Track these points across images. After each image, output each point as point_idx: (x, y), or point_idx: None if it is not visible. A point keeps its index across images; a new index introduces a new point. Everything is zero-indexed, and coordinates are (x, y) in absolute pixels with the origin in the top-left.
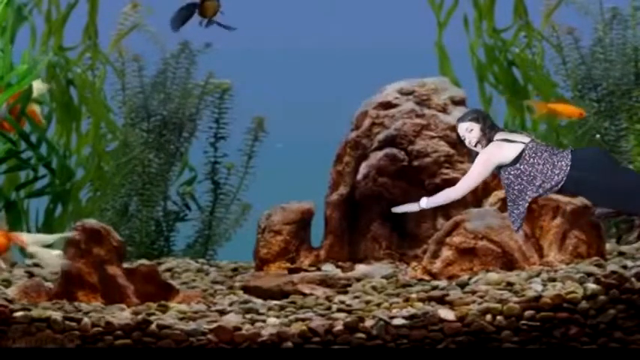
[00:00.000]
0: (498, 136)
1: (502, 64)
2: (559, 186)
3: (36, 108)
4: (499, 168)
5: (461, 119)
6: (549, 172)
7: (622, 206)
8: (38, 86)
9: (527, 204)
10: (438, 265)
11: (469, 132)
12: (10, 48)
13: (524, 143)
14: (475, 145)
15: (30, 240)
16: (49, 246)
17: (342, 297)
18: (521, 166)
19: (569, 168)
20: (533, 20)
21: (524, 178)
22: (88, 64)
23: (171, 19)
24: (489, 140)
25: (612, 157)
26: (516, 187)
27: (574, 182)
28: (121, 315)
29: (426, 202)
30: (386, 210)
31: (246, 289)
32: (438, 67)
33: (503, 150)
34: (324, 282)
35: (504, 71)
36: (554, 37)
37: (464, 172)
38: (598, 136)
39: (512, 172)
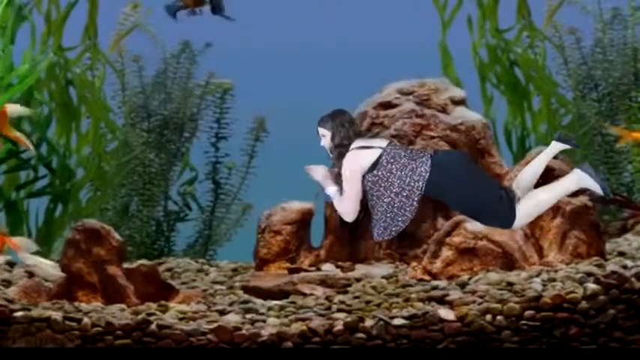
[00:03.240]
0: (355, 144)
1: (504, 64)
2: (421, 192)
3: (17, 133)
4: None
5: (319, 121)
6: (408, 178)
7: (476, 215)
8: (16, 109)
9: (391, 211)
10: (438, 265)
11: (323, 137)
12: (11, 48)
13: (381, 148)
14: (328, 151)
15: (23, 245)
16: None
17: (342, 297)
18: (379, 172)
19: (428, 174)
20: (536, 20)
21: (382, 185)
22: (88, 64)
23: (165, 5)
24: (341, 152)
25: (473, 161)
26: (375, 194)
27: (434, 187)
28: (121, 315)
29: (333, 192)
30: None
31: (246, 289)
32: (441, 67)
33: (360, 157)
34: (324, 282)
35: (506, 71)
36: (556, 37)
37: None
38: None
39: (370, 179)
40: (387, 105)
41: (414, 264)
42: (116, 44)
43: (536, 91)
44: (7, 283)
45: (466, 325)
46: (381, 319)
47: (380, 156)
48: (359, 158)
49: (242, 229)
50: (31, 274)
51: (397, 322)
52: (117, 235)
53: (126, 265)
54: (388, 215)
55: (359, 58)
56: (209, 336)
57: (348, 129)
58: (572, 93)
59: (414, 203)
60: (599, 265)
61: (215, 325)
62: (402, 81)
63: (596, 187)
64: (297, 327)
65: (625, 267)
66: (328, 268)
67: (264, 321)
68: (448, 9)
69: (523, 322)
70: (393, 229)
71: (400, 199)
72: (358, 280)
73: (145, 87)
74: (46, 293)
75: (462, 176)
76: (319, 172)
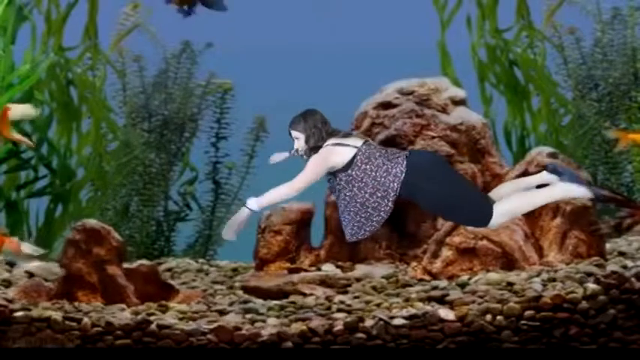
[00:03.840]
0: (331, 140)
1: (503, 64)
2: (396, 193)
3: (17, 136)
4: (331, 174)
5: (291, 122)
6: (383, 178)
7: (452, 215)
8: (21, 110)
9: (365, 211)
10: (438, 265)
11: (296, 139)
12: (11, 48)
13: (356, 147)
14: (302, 153)
15: (25, 249)
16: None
17: (342, 297)
18: (353, 172)
19: (403, 175)
20: (535, 20)
21: (356, 185)
22: (89, 64)
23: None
24: (315, 153)
25: (447, 163)
26: (347, 194)
27: (409, 188)
28: (121, 315)
29: (255, 202)
30: None
31: (246, 289)
32: (440, 67)
33: (334, 154)
34: (324, 282)
35: (505, 71)
36: (556, 37)
37: (464, 172)
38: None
39: (343, 178)
40: (387, 105)
41: (414, 264)
42: (117, 44)
43: (535, 91)
44: (7, 283)
45: (466, 325)
46: (381, 319)
47: (354, 155)
48: (334, 154)
49: (242, 229)
50: (31, 274)
51: (397, 322)
52: (117, 235)
53: (126, 265)
54: (363, 215)
55: (359, 57)
56: (209, 336)
57: (322, 129)
58: (572, 93)
59: (389, 204)
60: (599, 265)
61: (215, 325)
62: (402, 81)
63: (585, 193)
64: (297, 327)
65: (625, 267)
66: (328, 268)
67: (264, 321)
68: (448, 9)
69: (523, 322)
70: (367, 229)
71: (375, 199)
72: (358, 280)
73: (145, 87)
74: (46, 293)
75: (436, 177)
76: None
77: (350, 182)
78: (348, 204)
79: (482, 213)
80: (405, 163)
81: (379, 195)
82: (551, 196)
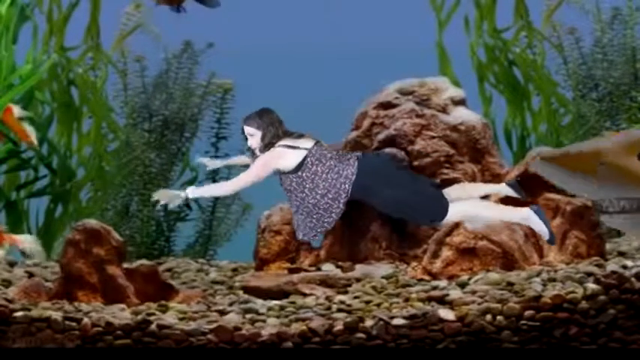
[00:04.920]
0: (282, 142)
1: (502, 64)
2: (347, 195)
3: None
4: (282, 174)
5: (246, 119)
6: (334, 180)
7: (406, 215)
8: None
9: (317, 213)
10: (438, 265)
11: (251, 136)
12: (13, 48)
13: (307, 149)
14: (256, 150)
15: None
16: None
17: (342, 297)
18: (303, 174)
19: (355, 176)
20: (534, 20)
21: (306, 186)
22: (90, 64)
23: None
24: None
25: (400, 163)
26: (298, 195)
27: (361, 189)
28: (121, 315)
29: (192, 191)
30: None
31: (246, 289)
32: (439, 67)
33: (284, 156)
34: (324, 282)
35: (505, 71)
36: (555, 37)
37: (464, 172)
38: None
39: (294, 180)
40: (387, 105)
41: (414, 264)
42: (118, 44)
43: (535, 90)
44: (7, 283)
45: (466, 325)
46: (381, 319)
47: (305, 157)
48: (283, 156)
49: (242, 229)
50: (30, 274)
51: (397, 322)
52: (117, 235)
53: (126, 265)
54: (314, 216)
55: (359, 57)
56: (209, 336)
57: (278, 128)
58: (572, 93)
59: (341, 205)
60: (599, 265)
61: (215, 325)
62: (401, 81)
63: (543, 232)
64: (297, 327)
65: (625, 267)
66: (328, 268)
67: (264, 321)
68: (445, 9)
69: (523, 322)
70: (319, 229)
71: (326, 200)
72: (358, 280)
73: (146, 87)
74: (46, 293)
75: (388, 178)
76: (165, 196)
77: (301, 184)
78: (299, 205)
79: (435, 211)
80: (356, 164)
81: (330, 197)
82: (516, 215)
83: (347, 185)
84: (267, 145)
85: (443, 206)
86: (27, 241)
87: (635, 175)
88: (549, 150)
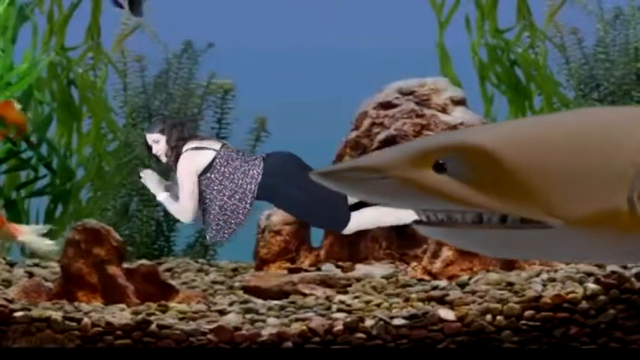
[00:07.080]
0: (188, 145)
1: (504, 64)
2: (254, 195)
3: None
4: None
5: (148, 129)
6: (240, 180)
7: (310, 217)
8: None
9: (224, 214)
10: (438, 265)
11: (156, 143)
12: (12, 48)
13: (215, 150)
14: (163, 156)
15: (25, 230)
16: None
17: (342, 297)
18: (212, 175)
19: (260, 176)
20: (537, 20)
21: (215, 187)
22: (90, 64)
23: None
24: (177, 153)
25: (301, 162)
26: (207, 197)
27: (267, 190)
28: (121, 315)
29: (162, 196)
30: None
31: (246, 289)
32: (439, 67)
33: (195, 159)
34: (324, 282)
35: (507, 71)
36: (558, 37)
37: None
38: None
39: (203, 181)
40: (387, 105)
41: (414, 264)
42: (119, 44)
43: (537, 90)
44: (7, 283)
45: (466, 325)
46: (381, 319)
47: (213, 158)
48: (195, 159)
49: (242, 229)
50: (30, 274)
51: (397, 322)
52: (117, 235)
53: (126, 265)
54: (221, 218)
55: (359, 58)
56: (209, 336)
57: (182, 130)
58: (574, 92)
59: (247, 206)
60: (599, 265)
61: (215, 325)
62: (402, 81)
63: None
64: (297, 327)
65: (625, 267)
66: (328, 268)
67: (264, 321)
68: (446, 8)
69: (523, 322)
70: (226, 231)
71: (233, 202)
72: (358, 280)
73: (146, 87)
74: (46, 293)
75: (293, 178)
76: (151, 179)
77: (209, 185)
78: (208, 207)
79: (338, 217)
80: (261, 164)
81: (237, 197)
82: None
83: (253, 186)
84: (174, 148)
85: (345, 214)
86: (32, 232)
87: (432, 188)
88: (326, 167)
